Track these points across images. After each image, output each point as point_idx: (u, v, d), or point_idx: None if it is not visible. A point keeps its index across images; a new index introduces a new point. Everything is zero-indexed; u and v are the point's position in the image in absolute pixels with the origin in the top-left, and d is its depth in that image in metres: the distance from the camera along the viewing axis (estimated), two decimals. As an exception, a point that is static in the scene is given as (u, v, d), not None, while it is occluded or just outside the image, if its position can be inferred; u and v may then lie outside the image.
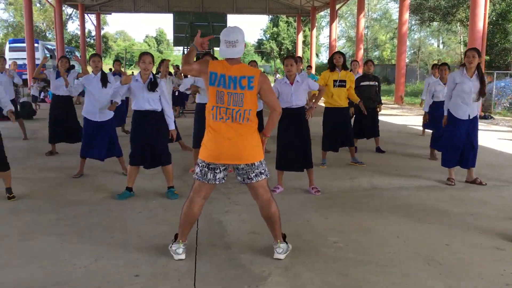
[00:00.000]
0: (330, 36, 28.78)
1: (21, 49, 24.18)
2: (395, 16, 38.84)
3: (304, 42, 43.07)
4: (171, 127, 5.37)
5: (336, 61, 6.74)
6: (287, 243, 3.74)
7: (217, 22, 21.33)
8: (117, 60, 11.56)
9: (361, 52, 23.81)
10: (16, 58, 21.15)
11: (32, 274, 3.37)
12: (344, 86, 6.76)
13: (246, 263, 3.60)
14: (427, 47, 43.34)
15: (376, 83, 8.19)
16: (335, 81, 6.73)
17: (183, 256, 3.62)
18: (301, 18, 34.97)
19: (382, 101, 8.74)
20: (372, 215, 4.80)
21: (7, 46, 27.72)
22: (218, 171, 3.49)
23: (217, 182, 3.53)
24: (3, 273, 3.38)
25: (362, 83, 8.04)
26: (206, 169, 3.48)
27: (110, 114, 6.24)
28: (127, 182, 5.38)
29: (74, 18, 43.82)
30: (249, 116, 3.43)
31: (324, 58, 57.16)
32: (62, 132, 7.77)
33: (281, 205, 5.04)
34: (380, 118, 8.61)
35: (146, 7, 32.19)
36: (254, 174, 3.50)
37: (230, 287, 3.22)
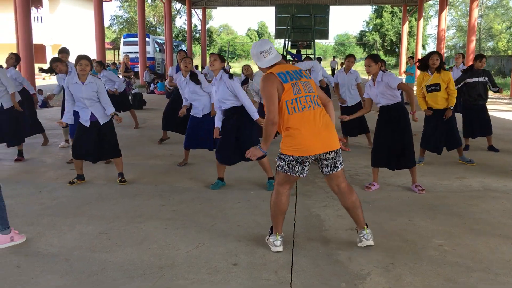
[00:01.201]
0: (438, 26, 27.16)
1: (134, 43, 25.90)
2: (514, 3, 35.63)
3: (409, 33, 41.15)
4: (255, 116, 5.31)
5: (433, 63, 6.13)
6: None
7: (320, 13, 21.10)
8: (181, 50, 11.74)
9: (473, 43, 22.11)
10: (129, 52, 22.73)
11: (140, 255, 3.59)
12: (438, 89, 6.17)
13: (344, 259, 3.51)
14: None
15: (486, 78, 7.49)
16: (427, 86, 6.23)
17: (280, 249, 3.63)
18: (407, 7, 33.41)
19: (495, 96, 8.02)
20: (483, 218, 4.45)
21: (122, 40, 29.84)
22: (307, 163, 3.50)
23: (304, 175, 3.54)
24: (115, 253, 3.64)
25: (469, 80, 7.43)
26: (294, 163, 3.47)
27: (210, 109, 6.47)
28: (218, 173, 5.53)
29: (181, 13, 45.91)
30: (319, 101, 3.55)
31: (431, 49, 54.24)
32: (173, 123, 8.07)
33: (382, 203, 4.89)
34: (493, 114, 7.94)
35: (249, 1, 32.82)
36: (339, 162, 3.54)
37: (327, 283, 3.16)
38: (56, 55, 7.31)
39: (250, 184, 5.64)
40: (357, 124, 7.76)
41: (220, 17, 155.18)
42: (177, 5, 35.73)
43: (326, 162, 3.50)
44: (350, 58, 8.12)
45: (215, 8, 36.98)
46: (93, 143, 5.46)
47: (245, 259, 3.52)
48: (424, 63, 6.26)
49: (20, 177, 5.91)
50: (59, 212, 4.60)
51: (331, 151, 3.47)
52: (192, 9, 33.76)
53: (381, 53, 46.29)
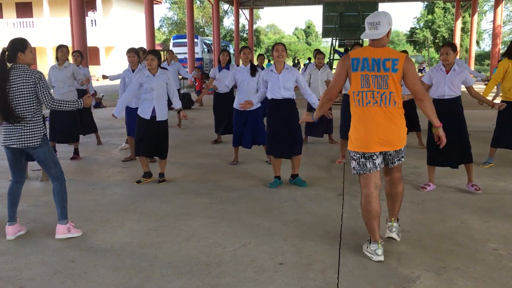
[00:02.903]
0: (494, 21, 26.10)
1: (183, 44, 26.38)
2: None
3: (462, 29, 39.72)
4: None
5: None
6: (399, 225, 3.81)
7: (368, 11, 20.67)
8: (261, 55, 11.94)
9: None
10: (179, 53, 23.19)
11: (188, 252, 3.65)
12: None
13: (393, 262, 3.43)
14: None
15: None
16: None
17: (382, 258, 3.40)
18: (461, 3, 32.24)
19: None
20: (542, 223, 4.23)
21: (171, 42, 30.48)
22: (375, 157, 3.42)
23: (379, 168, 3.45)
24: (164, 249, 3.72)
25: None
26: (363, 160, 3.42)
27: (257, 104, 6.48)
28: (274, 172, 5.53)
29: (229, 13, 46.36)
30: (395, 99, 3.36)
31: (486, 46, 52.14)
32: (224, 124, 8.13)
33: (433, 205, 4.74)
34: None
35: (296, 0, 32.67)
36: (397, 159, 3.53)
37: (375, 285, 3.10)
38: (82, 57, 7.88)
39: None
40: (408, 122, 7.55)
41: (267, 17, 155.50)
42: (225, 6, 36.11)
43: (384, 156, 3.51)
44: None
45: (262, 8, 37.05)
46: (152, 139, 5.61)
47: (291, 259, 3.51)
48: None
49: (74, 174, 6.15)
50: (111, 209, 4.75)
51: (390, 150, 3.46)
52: (240, 10, 33.98)
53: (432, 50, 44.90)
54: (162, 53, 10.27)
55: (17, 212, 4.04)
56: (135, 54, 6.91)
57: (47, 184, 5.62)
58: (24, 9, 32.15)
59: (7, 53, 3.77)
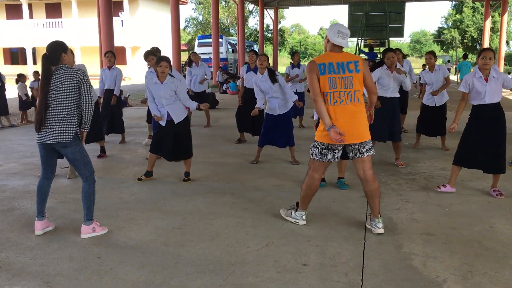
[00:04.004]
0: (525, 20, 25.40)
1: (208, 45, 26.52)
2: None
3: (492, 29, 38.86)
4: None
5: None
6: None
7: (395, 11, 20.46)
8: (296, 52, 11.61)
9: None
10: (203, 53, 23.33)
11: (212, 251, 3.67)
12: None
13: (418, 265, 3.39)
14: None
15: None
16: None
17: (304, 222, 4.19)
18: (490, 2, 31.54)
19: None
20: None
21: (196, 42, 30.70)
22: (337, 151, 3.98)
23: (336, 160, 4.02)
24: (188, 248, 3.75)
25: None
26: (326, 151, 3.97)
27: (288, 107, 6.49)
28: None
29: (254, 13, 46.43)
30: (359, 96, 3.87)
31: (516, 45, 50.91)
32: (248, 124, 8.15)
33: (460, 208, 4.66)
34: None
35: (322, 0, 32.51)
36: (365, 150, 3.91)
37: (400, 288, 3.07)
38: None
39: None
40: (434, 125, 7.45)
41: (292, 16, 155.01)
42: (250, 6, 36.17)
43: (351, 148, 3.93)
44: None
45: (287, 8, 37.00)
46: (170, 142, 5.65)
47: (315, 260, 3.49)
48: None
49: (101, 172, 6.25)
50: (137, 207, 4.82)
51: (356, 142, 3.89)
52: (265, 10, 34.01)
53: (460, 51, 44.04)
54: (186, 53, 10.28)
55: (45, 208, 4.12)
56: (154, 57, 6.83)
57: (75, 181, 5.73)
58: (54, 10, 32.82)
59: (49, 56, 3.84)
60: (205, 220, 4.38)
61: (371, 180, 3.97)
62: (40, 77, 3.93)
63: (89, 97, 3.88)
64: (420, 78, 7.93)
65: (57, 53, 3.85)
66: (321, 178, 4.16)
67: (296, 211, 4.24)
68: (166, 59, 5.59)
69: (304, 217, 4.21)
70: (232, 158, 7.19)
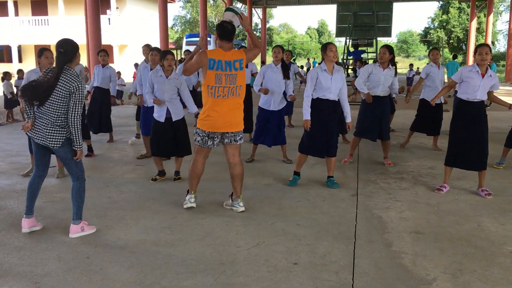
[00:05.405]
0: (510, 21, 25.77)
1: (196, 43, 26.39)
2: None
3: (478, 29, 39.29)
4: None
5: None
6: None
7: (382, 10, 20.58)
8: (288, 51, 11.59)
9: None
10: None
11: (202, 251, 3.66)
12: None
13: (408, 263, 3.41)
14: None
15: None
16: None
17: (194, 205, 4.60)
18: (476, 3, 31.91)
19: None
20: (561, 226, 4.16)
21: (184, 40, 30.58)
22: (216, 138, 4.43)
23: (215, 146, 4.48)
24: (178, 247, 3.73)
25: None
26: (206, 138, 4.42)
27: (283, 104, 6.48)
28: (296, 167, 5.55)
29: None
30: (240, 91, 4.36)
31: (501, 46, 51.59)
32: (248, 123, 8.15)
33: (448, 207, 4.70)
34: None
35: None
36: (238, 138, 4.49)
37: (391, 287, 3.08)
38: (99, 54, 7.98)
39: (310, 183, 5.60)
40: (430, 123, 7.42)
41: (280, 16, 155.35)
42: (238, 5, 36.13)
43: (227, 135, 4.42)
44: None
45: (275, 7, 37.03)
46: (169, 140, 5.62)
47: (306, 259, 3.50)
48: None
49: (89, 172, 6.18)
50: (126, 206, 4.78)
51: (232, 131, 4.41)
52: (253, 9, 34.01)
53: (446, 51, 44.44)
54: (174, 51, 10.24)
55: (34, 206, 4.07)
56: (158, 54, 6.69)
57: (63, 181, 5.67)
58: (40, 7, 32.43)
59: (66, 53, 3.76)
60: (195, 220, 4.36)
61: (238, 164, 4.53)
62: (44, 71, 3.82)
63: (75, 115, 3.73)
64: (414, 74, 7.90)
65: (74, 50, 3.82)
66: (204, 162, 4.59)
67: (187, 195, 4.67)
68: (171, 52, 5.61)
69: (192, 200, 4.59)
70: (222, 157, 7.12)
